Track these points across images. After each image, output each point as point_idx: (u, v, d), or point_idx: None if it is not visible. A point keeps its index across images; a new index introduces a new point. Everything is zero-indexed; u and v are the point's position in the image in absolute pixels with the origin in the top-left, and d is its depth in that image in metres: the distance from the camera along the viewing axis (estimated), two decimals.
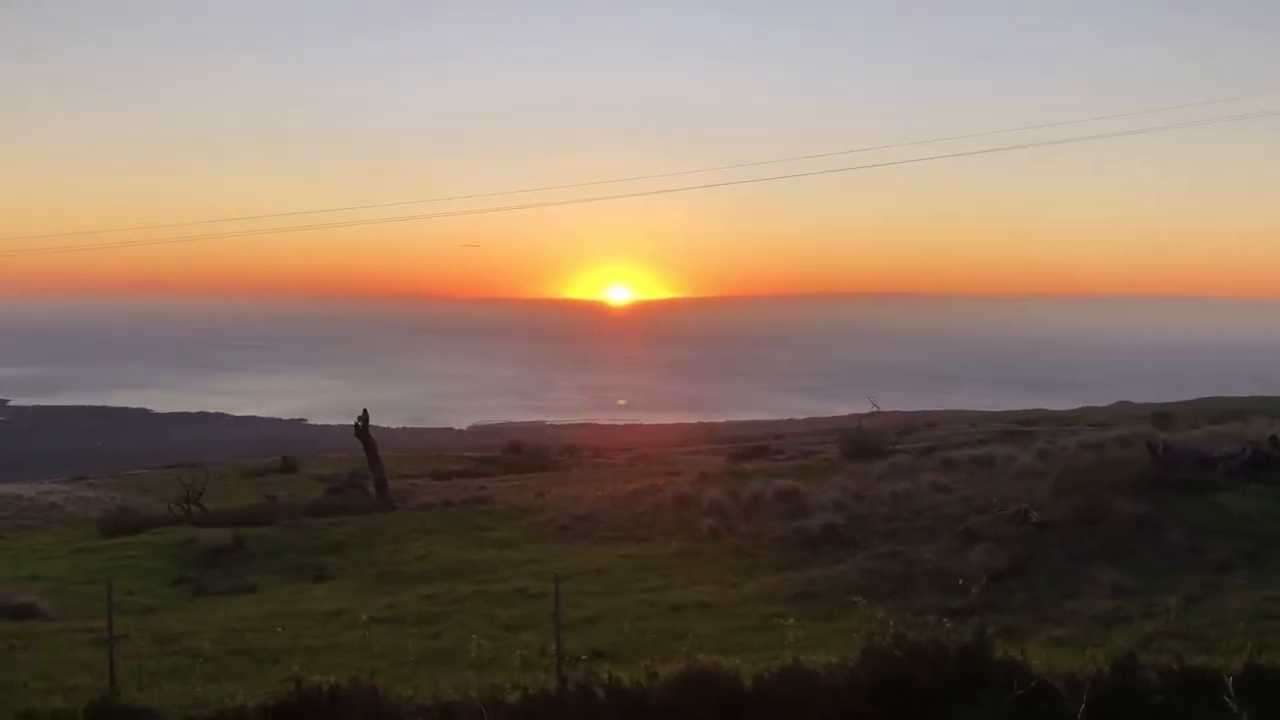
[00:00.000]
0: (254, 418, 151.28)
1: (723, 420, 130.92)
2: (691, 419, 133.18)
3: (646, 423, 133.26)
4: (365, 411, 32.89)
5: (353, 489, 34.70)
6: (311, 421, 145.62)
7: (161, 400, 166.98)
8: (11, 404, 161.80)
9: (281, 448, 71.30)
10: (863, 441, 33.57)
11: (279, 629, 14.31)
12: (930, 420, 70.85)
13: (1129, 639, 10.54)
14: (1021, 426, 51.56)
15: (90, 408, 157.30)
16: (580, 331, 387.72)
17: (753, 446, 54.63)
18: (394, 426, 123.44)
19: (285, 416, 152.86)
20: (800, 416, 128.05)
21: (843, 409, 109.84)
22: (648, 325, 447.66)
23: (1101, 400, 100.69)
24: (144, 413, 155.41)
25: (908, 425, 59.49)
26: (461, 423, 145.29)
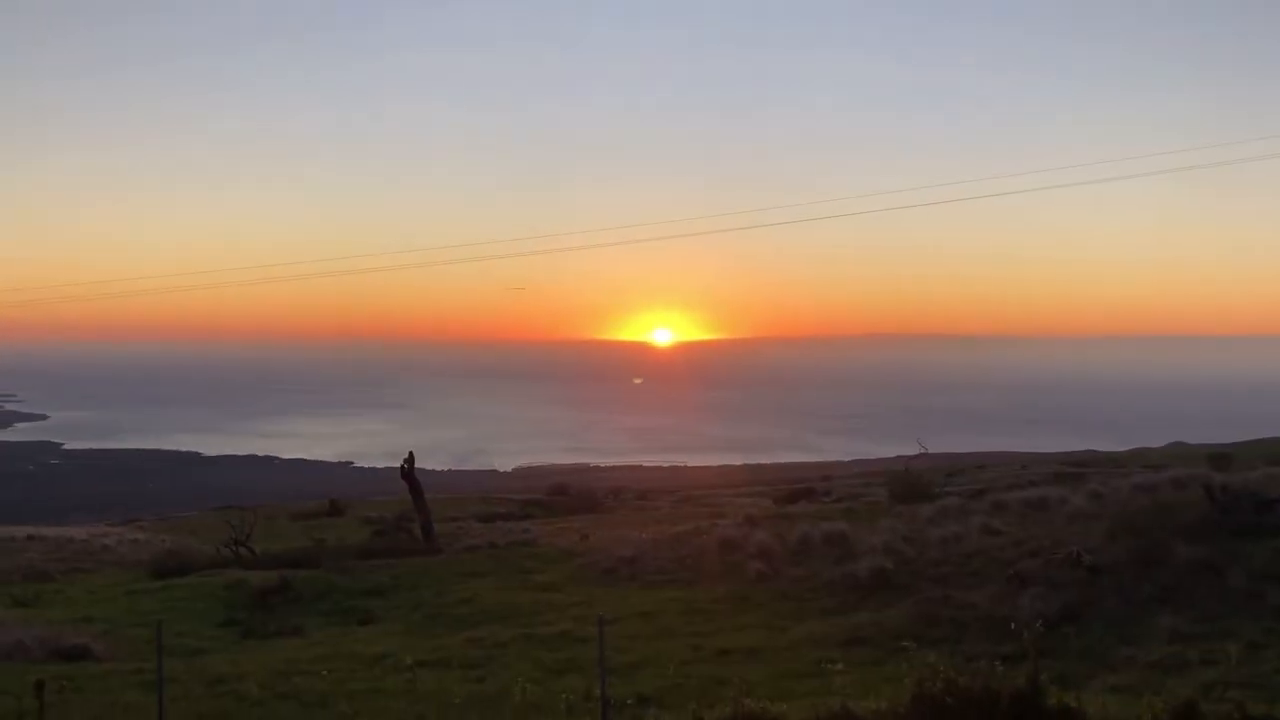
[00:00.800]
0: (302, 460, 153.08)
1: (768, 462, 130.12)
2: (737, 461, 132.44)
3: (691, 464, 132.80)
4: (411, 454, 33.07)
5: (399, 532, 34.80)
6: (358, 464, 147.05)
7: (211, 443, 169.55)
8: (65, 447, 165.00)
9: (329, 490, 71.97)
10: (911, 484, 33.18)
11: (325, 672, 14.34)
12: (980, 462, 70.00)
13: (1188, 687, 10.26)
14: (1073, 468, 50.79)
15: (142, 451, 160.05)
16: (623, 373, 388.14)
17: (799, 488, 54.23)
18: (439, 469, 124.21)
19: (333, 459, 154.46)
20: (846, 458, 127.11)
21: (890, 451, 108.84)
22: (691, 366, 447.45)
23: (1155, 441, 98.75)
24: (194, 455, 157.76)
25: (956, 467, 58.80)
26: (506, 465, 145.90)
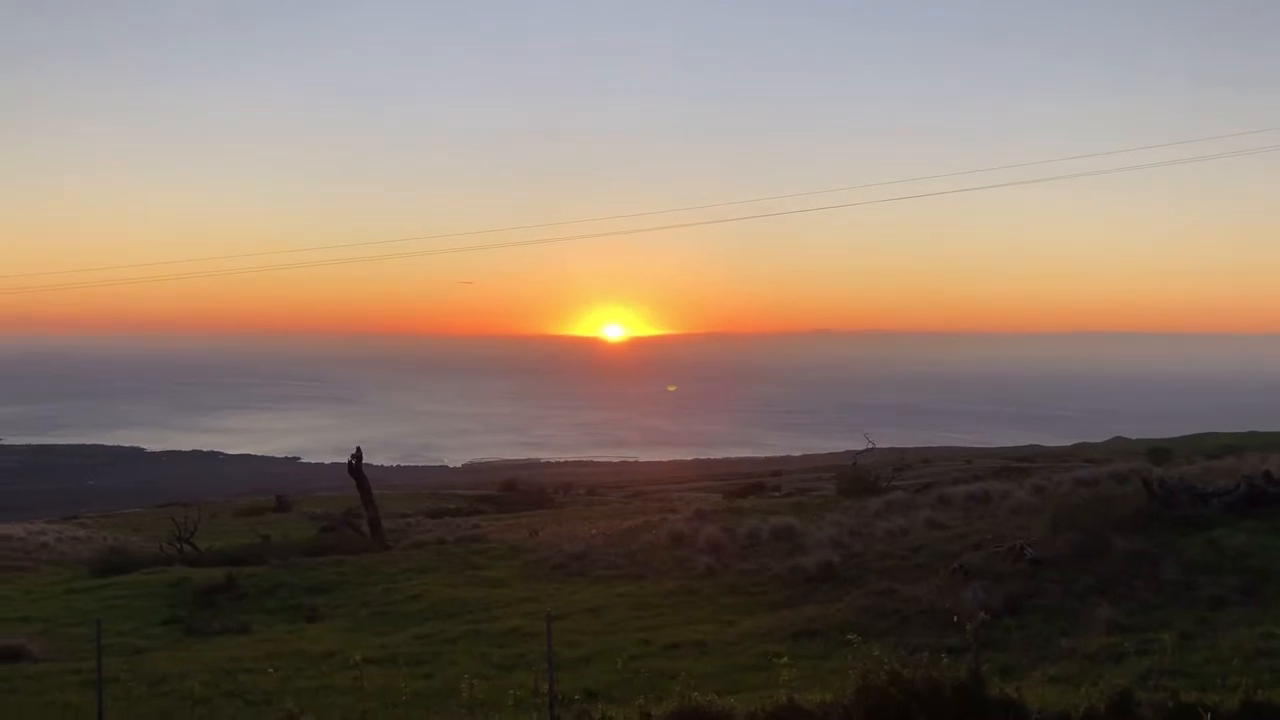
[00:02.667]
0: (248, 456, 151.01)
1: (719, 457, 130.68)
2: (687, 456, 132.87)
3: (642, 459, 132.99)
4: (359, 450, 32.79)
5: (346, 528, 34.46)
6: (305, 460, 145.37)
7: (155, 439, 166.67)
8: (4, 442, 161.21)
9: (275, 486, 71.18)
10: (859, 478, 33.51)
11: (271, 670, 14.18)
12: (926, 457, 70.80)
13: (1125, 676, 10.48)
14: (1017, 463, 51.60)
15: (83, 446, 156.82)
16: (575, 368, 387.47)
17: (749, 483, 54.58)
18: (388, 464, 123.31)
19: (279, 455, 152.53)
20: (797, 453, 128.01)
21: (839, 445, 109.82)
22: (642, 362, 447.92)
23: (1097, 436, 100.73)
24: (137, 451, 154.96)
25: (903, 462, 59.38)
26: (456, 460, 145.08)
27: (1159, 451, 44.48)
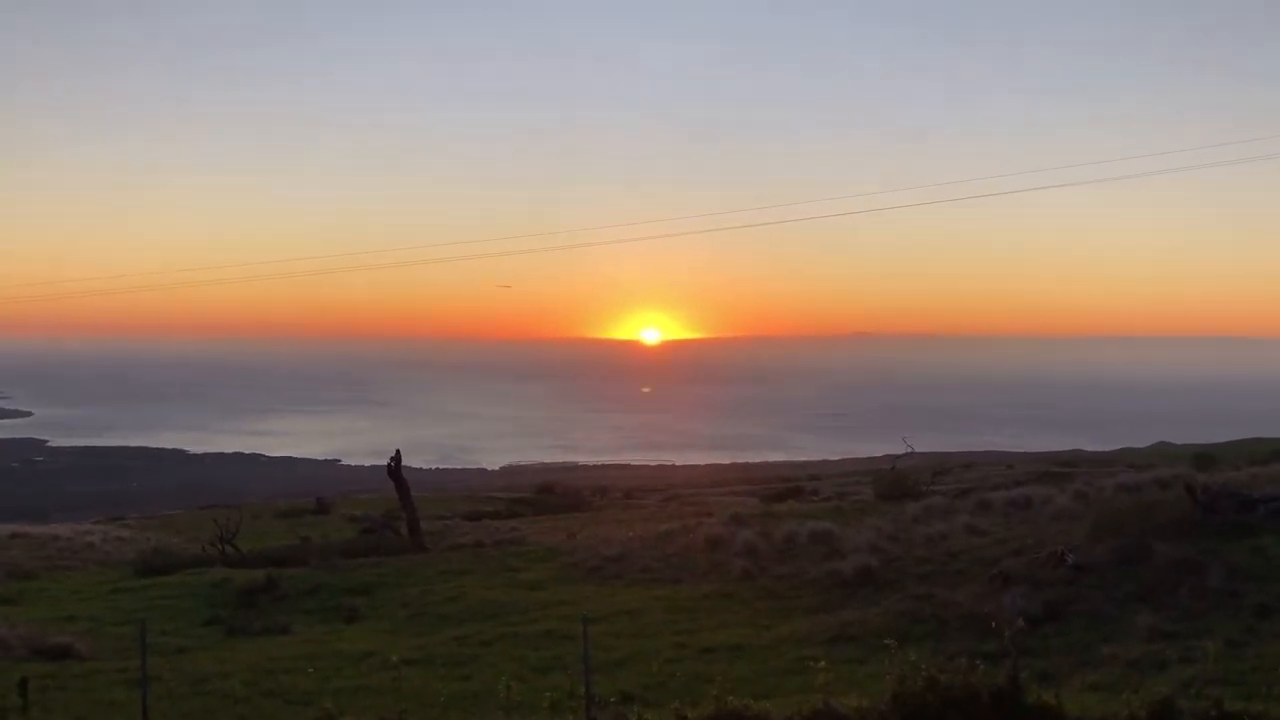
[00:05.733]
0: (289, 458, 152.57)
1: (757, 460, 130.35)
2: (725, 459, 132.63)
3: (679, 463, 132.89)
4: (398, 452, 33.01)
5: (385, 530, 34.78)
6: (345, 462, 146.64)
7: (197, 441, 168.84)
8: (51, 444, 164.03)
9: (315, 488, 71.89)
10: (897, 482, 33.34)
11: (310, 670, 14.33)
12: (966, 461, 70.25)
13: (1167, 684, 10.34)
14: (1059, 468, 51.03)
15: (127, 448, 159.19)
16: (612, 371, 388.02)
17: (786, 487, 54.36)
18: (426, 467, 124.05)
19: (319, 457, 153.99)
20: (835, 457, 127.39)
21: (878, 450, 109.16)
22: (679, 365, 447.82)
23: (1140, 441, 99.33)
24: (180, 453, 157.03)
25: (943, 466, 58.96)
26: (493, 463, 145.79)
27: (1204, 457, 43.79)
